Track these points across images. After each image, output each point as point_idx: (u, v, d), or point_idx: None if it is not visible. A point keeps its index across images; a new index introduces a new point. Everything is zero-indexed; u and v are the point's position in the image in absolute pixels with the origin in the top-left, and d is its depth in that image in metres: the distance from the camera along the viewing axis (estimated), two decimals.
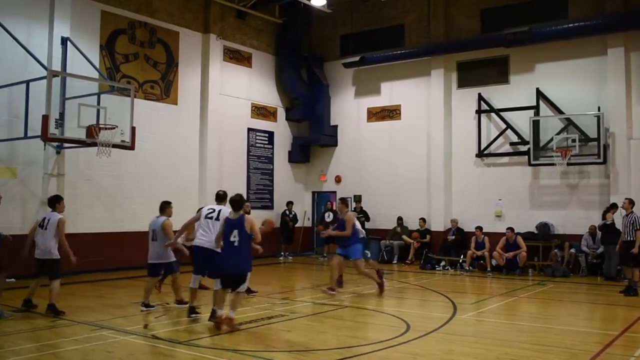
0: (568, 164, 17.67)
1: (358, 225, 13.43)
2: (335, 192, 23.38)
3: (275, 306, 11.65)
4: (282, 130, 23.42)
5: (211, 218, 10.07)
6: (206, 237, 10.00)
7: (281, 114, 23.40)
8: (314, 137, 23.38)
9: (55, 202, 10.88)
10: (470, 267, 18.13)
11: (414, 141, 21.40)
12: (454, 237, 19.26)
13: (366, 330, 9.75)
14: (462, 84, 20.66)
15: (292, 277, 17.66)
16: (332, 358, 7.67)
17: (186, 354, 7.82)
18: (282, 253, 21.55)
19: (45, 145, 15.09)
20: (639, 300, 12.83)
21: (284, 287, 14.94)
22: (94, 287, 13.83)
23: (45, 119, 12.81)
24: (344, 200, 13.93)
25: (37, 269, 10.74)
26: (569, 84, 18.58)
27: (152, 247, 11.09)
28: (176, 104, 19.29)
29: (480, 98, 20.01)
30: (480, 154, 19.89)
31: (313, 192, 24.27)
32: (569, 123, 18.20)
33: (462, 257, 18.71)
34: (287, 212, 21.90)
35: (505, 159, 19.64)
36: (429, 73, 21.06)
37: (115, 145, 13.91)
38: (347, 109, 23.34)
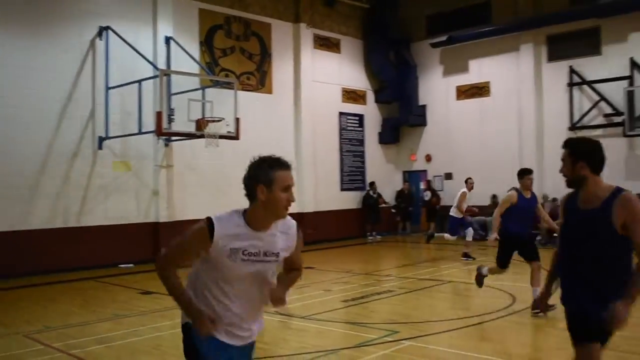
0: None
1: None
2: (425, 170, 23.74)
3: (381, 283, 12.29)
4: (371, 113, 23.91)
5: None
6: None
7: (370, 96, 23.89)
8: (403, 117, 23.76)
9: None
10: None
11: (504, 117, 21.43)
12: (548, 212, 19.29)
13: (471, 303, 10.24)
14: (552, 58, 20.51)
15: (381, 255, 18.18)
16: (442, 328, 8.24)
17: (312, 327, 8.51)
18: (369, 233, 21.98)
19: (158, 139, 16.13)
20: None
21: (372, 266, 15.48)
22: None
23: (159, 115, 13.72)
24: None
25: None
26: None
27: None
28: (271, 93, 20.11)
29: (572, 71, 19.86)
30: (573, 127, 19.76)
31: (404, 172, 24.71)
32: None
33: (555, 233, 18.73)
34: (372, 193, 22.37)
35: (599, 131, 19.37)
36: (518, 48, 21.01)
37: (222, 136, 14.76)
38: (436, 88, 23.56)
